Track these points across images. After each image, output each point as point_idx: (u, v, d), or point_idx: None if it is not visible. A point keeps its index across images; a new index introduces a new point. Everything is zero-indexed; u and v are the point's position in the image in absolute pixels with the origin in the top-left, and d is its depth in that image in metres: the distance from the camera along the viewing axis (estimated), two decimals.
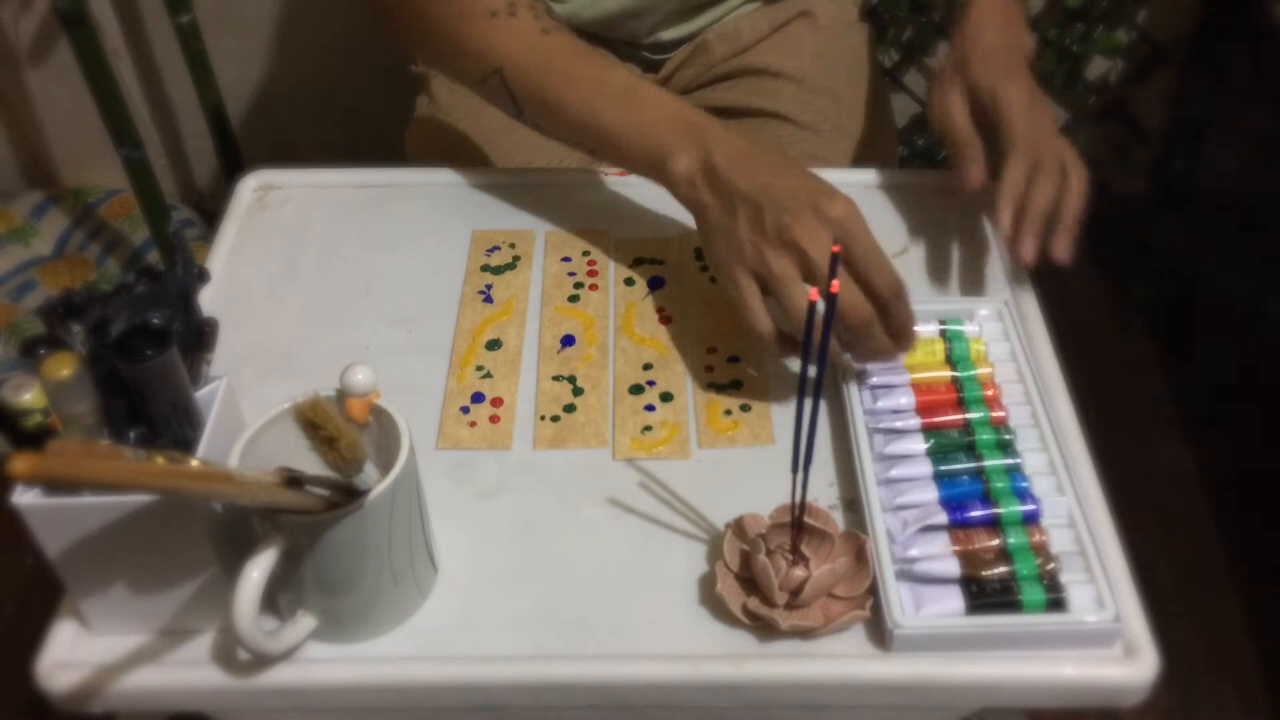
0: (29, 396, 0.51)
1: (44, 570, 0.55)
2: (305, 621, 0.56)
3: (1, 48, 1.62)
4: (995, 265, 0.79)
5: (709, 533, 0.63)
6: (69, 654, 0.57)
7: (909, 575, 0.58)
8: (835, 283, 0.49)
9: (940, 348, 0.69)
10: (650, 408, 0.69)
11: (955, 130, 0.77)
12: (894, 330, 0.66)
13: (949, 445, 0.63)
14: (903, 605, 0.56)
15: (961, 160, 0.76)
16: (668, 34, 0.95)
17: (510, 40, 0.76)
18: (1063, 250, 0.74)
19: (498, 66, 0.76)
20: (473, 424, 0.69)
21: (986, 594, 0.57)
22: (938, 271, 0.79)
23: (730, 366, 0.72)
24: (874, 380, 0.67)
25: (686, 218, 0.82)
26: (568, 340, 0.74)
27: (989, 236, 0.81)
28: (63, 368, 0.50)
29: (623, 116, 0.73)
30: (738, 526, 0.60)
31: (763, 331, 0.67)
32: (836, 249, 0.52)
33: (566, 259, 0.80)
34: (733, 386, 0.71)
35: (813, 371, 0.52)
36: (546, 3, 0.87)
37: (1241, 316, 1.64)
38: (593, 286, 0.78)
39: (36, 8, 1.57)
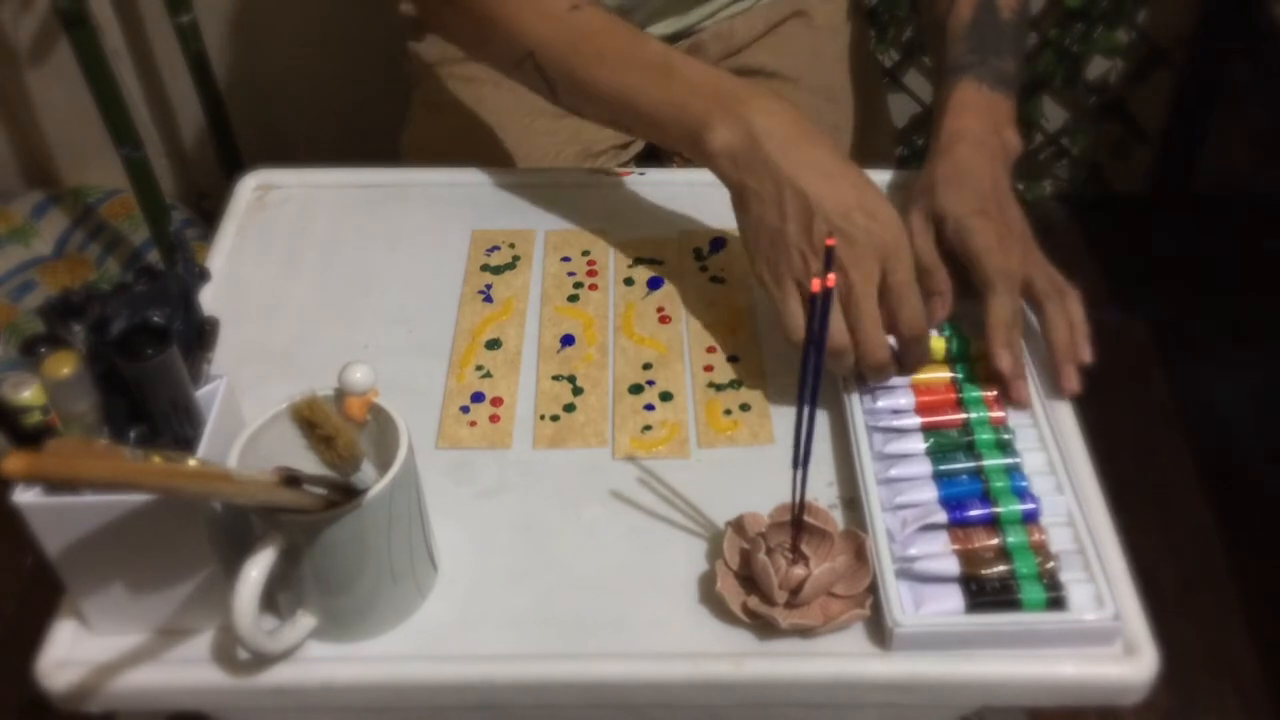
0: (29, 394, 0.51)
1: (44, 570, 0.55)
2: (305, 621, 0.56)
3: (1, 48, 1.62)
4: None
5: (709, 532, 0.63)
6: (69, 653, 0.57)
7: (908, 574, 0.58)
8: (831, 277, 0.49)
9: (940, 346, 0.68)
10: (650, 407, 0.69)
11: (920, 258, 0.69)
12: (903, 368, 0.66)
13: (948, 444, 0.64)
14: (902, 604, 0.56)
15: (928, 291, 0.68)
16: (659, 29, 0.95)
17: (538, 21, 0.74)
18: (1074, 383, 0.68)
19: (529, 50, 0.74)
20: (473, 423, 0.69)
21: (986, 592, 0.57)
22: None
23: (730, 366, 0.72)
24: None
25: (686, 218, 0.83)
26: (567, 340, 0.74)
27: None
28: (63, 366, 0.50)
29: (656, 92, 0.71)
30: (737, 525, 0.60)
31: (800, 341, 0.65)
32: (830, 242, 0.52)
33: (566, 259, 0.80)
34: (732, 386, 0.71)
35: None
36: None
37: (1242, 316, 1.64)
38: (592, 286, 0.78)
39: (36, 8, 1.57)
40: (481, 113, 0.94)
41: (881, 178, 0.86)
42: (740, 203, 0.69)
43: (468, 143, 0.95)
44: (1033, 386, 0.67)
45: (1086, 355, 0.68)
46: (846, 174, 0.66)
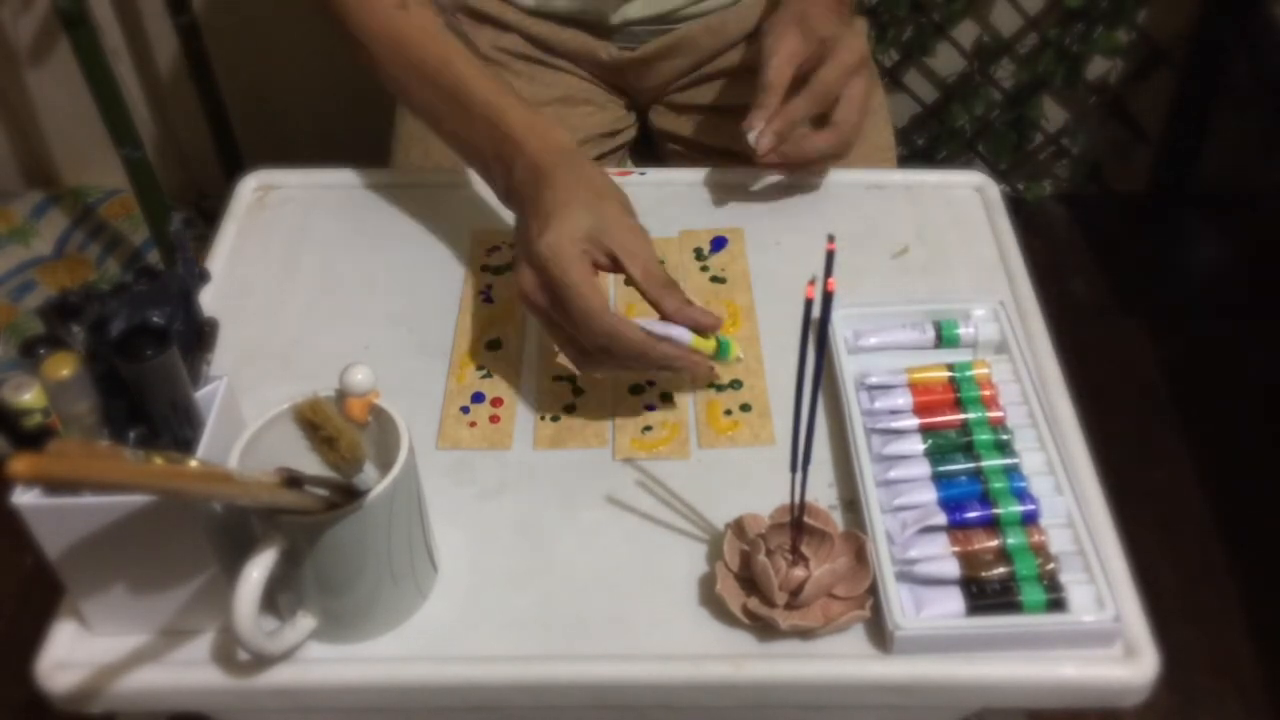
0: (29, 396, 0.51)
1: (44, 570, 0.55)
2: (305, 621, 0.56)
3: (1, 48, 1.62)
4: (994, 264, 0.79)
5: (709, 533, 0.63)
6: (69, 654, 0.57)
7: (909, 576, 0.58)
8: (831, 281, 0.49)
9: (709, 345, 0.67)
10: (650, 407, 0.69)
11: (770, 72, 0.77)
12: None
13: (947, 445, 0.63)
14: (903, 607, 0.56)
15: (754, 105, 0.77)
16: (634, 9, 0.94)
17: (368, 16, 0.76)
18: (763, 145, 0.77)
19: (363, 44, 0.76)
20: (473, 424, 0.69)
21: (986, 595, 0.57)
22: (936, 270, 0.79)
23: (730, 366, 0.72)
24: (871, 380, 0.67)
25: (686, 219, 0.83)
26: None
27: (988, 236, 0.81)
28: (62, 367, 0.50)
29: (452, 121, 0.74)
30: (737, 526, 0.60)
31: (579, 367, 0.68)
32: (831, 246, 0.51)
33: None
34: (732, 386, 0.71)
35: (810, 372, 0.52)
36: None
37: (1242, 316, 1.64)
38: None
39: (36, 8, 1.57)
40: None
41: (881, 177, 0.86)
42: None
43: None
44: (1030, 385, 0.67)
45: (810, 149, 0.79)
46: (556, 200, 0.66)
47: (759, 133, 0.77)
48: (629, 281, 0.65)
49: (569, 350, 0.67)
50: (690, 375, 0.69)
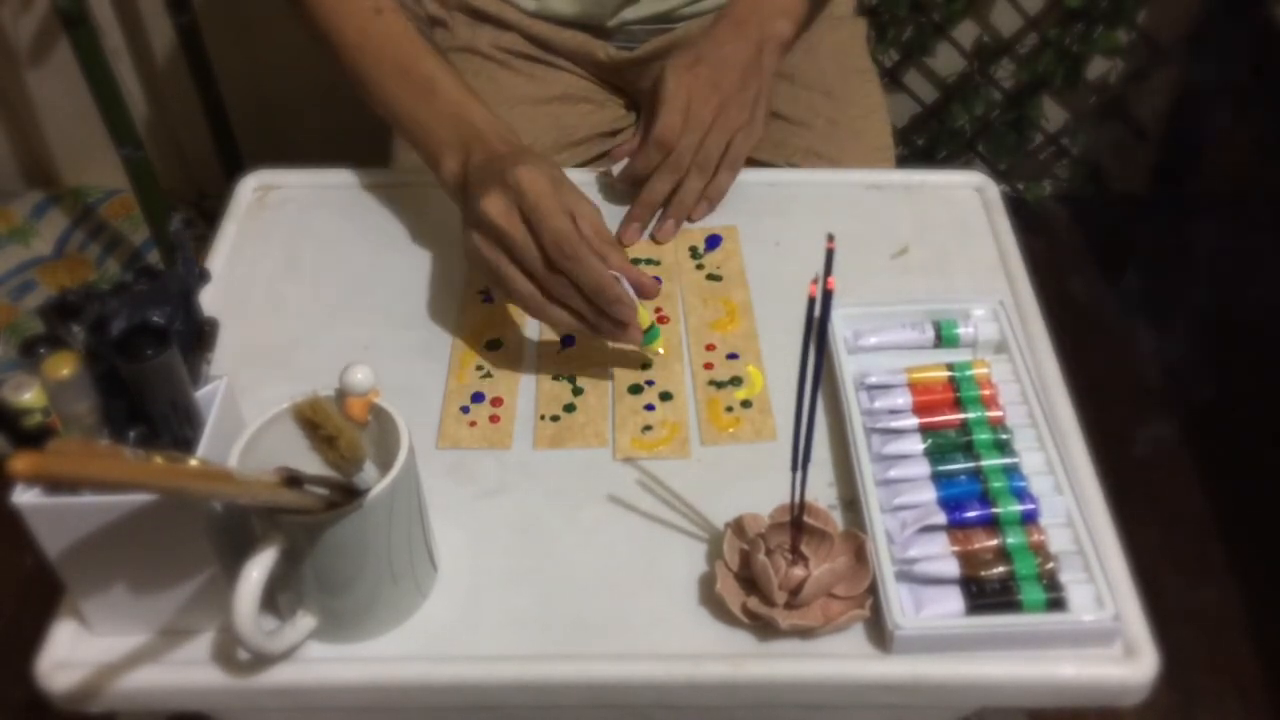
0: (29, 396, 0.51)
1: (44, 570, 0.55)
2: (305, 621, 0.56)
3: (1, 48, 1.62)
4: (994, 264, 0.79)
5: (709, 532, 0.63)
6: (69, 654, 0.57)
7: (909, 576, 0.58)
8: (831, 280, 0.49)
9: (645, 316, 0.70)
10: (650, 407, 0.69)
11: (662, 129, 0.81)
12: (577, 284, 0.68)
13: (946, 445, 0.64)
14: (903, 606, 0.56)
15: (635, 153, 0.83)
16: (635, 11, 0.95)
17: (342, 17, 0.80)
18: (664, 234, 0.81)
19: (329, 38, 0.80)
20: (473, 424, 0.69)
21: (986, 594, 0.57)
22: (936, 270, 0.79)
23: (730, 363, 0.72)
24: (871, 380, 0.67)
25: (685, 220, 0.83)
26: (568, 340, 0.74)
27: (988, 236, 0.81)
28: (62, 367, 0.50)
29: (415, 110, 0.77)
30: (737, 526, 0.60)
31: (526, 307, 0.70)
32: (831, 245, 0.51)
33: None
34: (733, 383, 0.71)
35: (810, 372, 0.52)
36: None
37: (1242, 316, 1.64)
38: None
39: (36, 8, 1.57)
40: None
41: (881, 177, 0.87)
42: (462, 216, 0.73)
43: None
44: (1029, 385, 0.67)
45: (696, 215, 0.83)
46: (519, 159, 0.69)
47: (631, 230, 0.82)
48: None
49: (521, 288, 0.68)
50: (619, 336, 0.70)
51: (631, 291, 0.68)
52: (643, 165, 0.81)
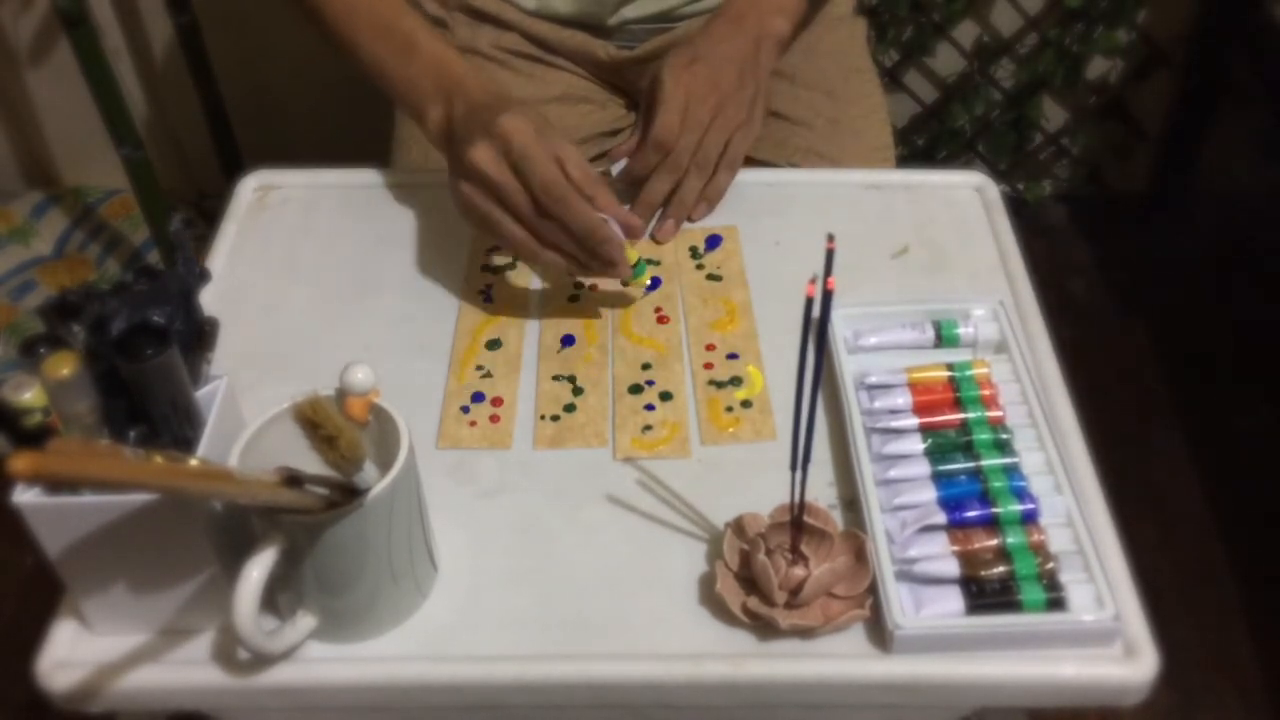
0: (29, 396, 0.51)
1: (44, 570, 0.55)
2: (305, 621, 0.56)
3: (1, 48, 1.62)
4: (994, 264, 0.79)
5: (709, 532, 0.63)
6: (69, 653, 0.57)
7: (909, 576, 0.58)
8: (831, 280, 0.49)
9: (633, 254, 0.72)
10: (650, 407, 0.69)
11: (661, 130, 0.81)
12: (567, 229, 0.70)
13: (946, 445, 0.64)
14: (903, 606, 0.56)
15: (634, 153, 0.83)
16: (634, 10, 0.95)
17: None
18: (664, 234, 0.82)
19: (316, 7, 0.81)
20: (473, 423, 0.69)
21: (986, 594, 0.57)
22: (936, 270, 0.79)
23: (730, 363, 0.72)
24: (871, 380, 0.67)
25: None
26: (568, 340, 0.74)
27: (988, 236, 0.81)
28: (62, 367, 0.50)
29: (397, 65, 0.79)
30: (737, 526, 0.60)
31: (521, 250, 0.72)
32: (831, 245, 0.51)
33: None
34: (733, 383, 0.71)
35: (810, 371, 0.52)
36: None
37: (1242, 316, 1.64)
38: (593, 286, 0.78)
39: (36, 8, 1.57)
40: None
41: (881, 177, 0.87)
42: (449, 166, 0.75)
43: None
44: (1029, 385, 0.67)
45: (696, 215, 0.83)
46: (505, 108, 0.71)
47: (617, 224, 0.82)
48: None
49: (513, 233, 0.71)
50: (609, 274, 0.72)
51: (619, 230, 0.71)
52: (641, 166, 0.81)
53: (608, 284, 0.77)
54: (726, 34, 0.84)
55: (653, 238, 0.82)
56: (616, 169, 0.83)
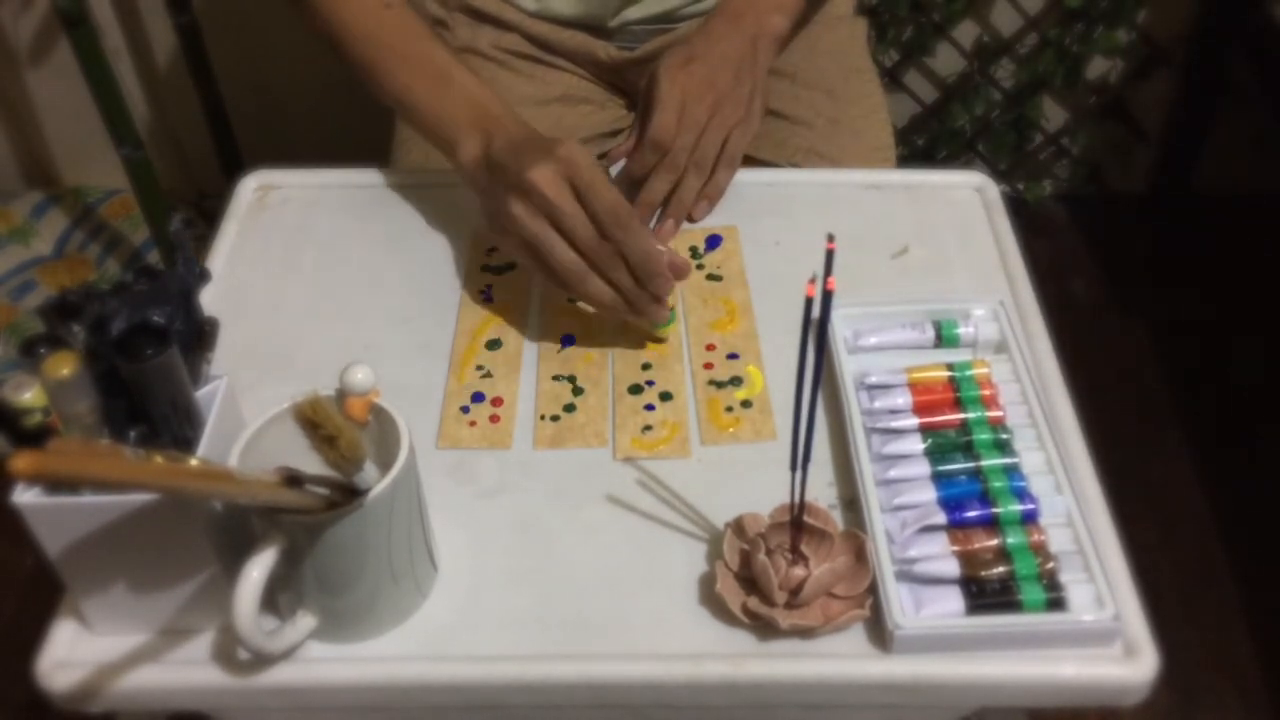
0: (29, 396, 0.51)
1: (44, 570, 0.55)
2: (305, 621, 0.56)
3: (1, 48, 1.62)
4: (994, 264, 0.79)
5: (709, 532, 0.63)
6: (69, 653, 0.57)
7: (909, 576, 0.58)
8: (831, 280, 0.49)
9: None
10: (650, 407, 0.69)
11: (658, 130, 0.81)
12: (629, 260, 0.69)
13: (946, 445, 0.64)
14: (903, 606, 0.56)
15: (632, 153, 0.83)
16: (636, 11, 0.95)
17: (352, 12, 0.81)
18: (664, 234, 0.82)
19: (337, 34, 0.81)
20: (473, 424, 0.69)
21: (986, 594, 0.57)
22: (936, 270, 0.79)
23: (730, 363, 0.72)
24: (871, 380, 0.67)
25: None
26: (568, 340, 0.74)
27: (988, 236, 0.81)
28: (62, 367, 0.50)
29: (431, 99, 0.78)
30: (737, 526, 0.60)
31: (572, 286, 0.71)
32: (831, 245, 0.51)
33: None
34: (733, 383, 0.71)
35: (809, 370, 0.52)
36: None
37: (1242, 316, 1.64)
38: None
39: (36, 8, 1.57)
40: None
41: (881, 177, 0.87)
42: (481, 204, 0.75)
43: None
44: (1030, 385, 0.67)
45: (697, 214, 0.83)
46: (553, 142, 0.71)
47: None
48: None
49: (564, 257, 0.69)
50: (650, 313, 0.71)
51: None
52: (639, 167, 0.81)
53: (633, 328, 0.74)
54: (724, 33, 0.84)
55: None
56: (615, 170, 0.84)
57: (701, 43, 0.83)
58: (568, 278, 0.70)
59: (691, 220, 0.83)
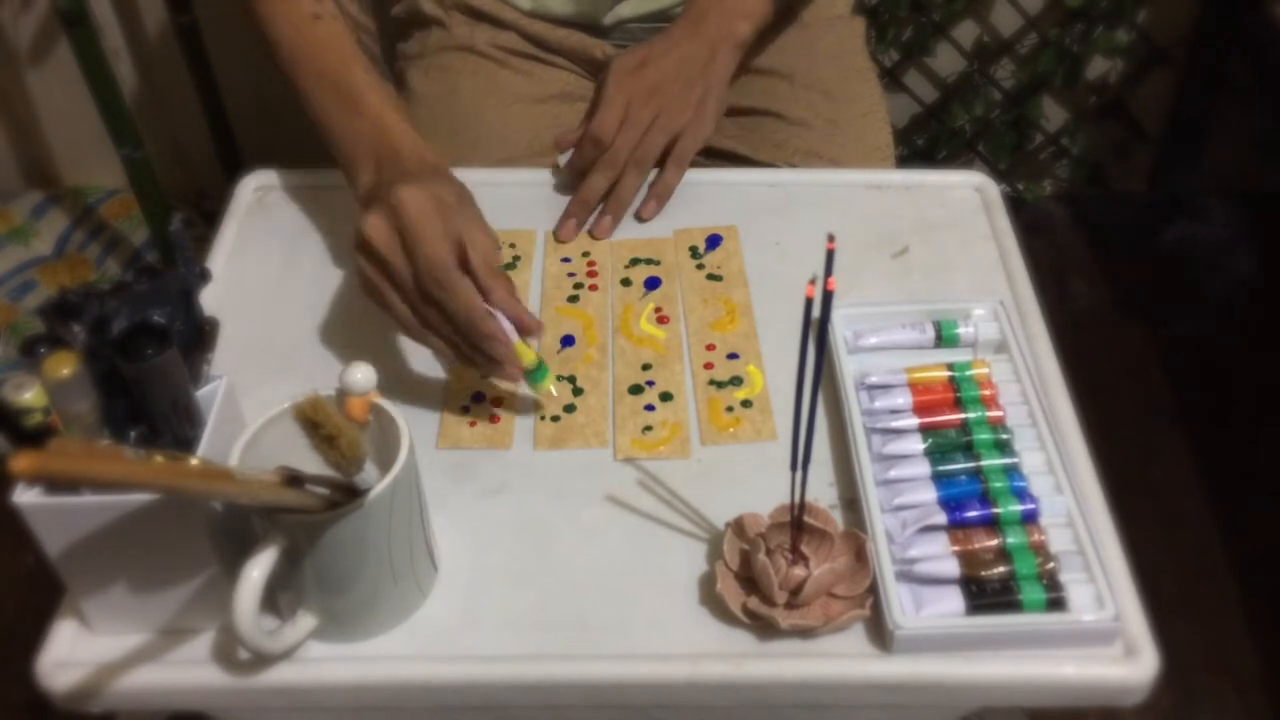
0: (29, 395, 0.51)
1: (44, 570, 0.55)
2: (305, 620, 0.56)
3: (1, 48, 1.62)
4: (994, 264, 0.79)
5: (709, 532, 0.63)
6: (69, 653, 0.57)
7: (909, 576, 0.58)
8: (831, 280, 0.49)
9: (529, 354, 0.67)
10: (650, 408, 0.69)
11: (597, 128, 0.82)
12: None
13: (947, 445, 0.64)
14: (903, 606, 0.56)
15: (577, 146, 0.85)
16: (627, 8, 0.95)
17: (282, 22, 0.80)
18: (601, 231, 0.82)
19: (271, 44, 0.80)
20: (473, 424, 0.69)
21: (986, 594, 0.57)
22: (936, 270, 0.79)
23: (730, 363, 0.72)
24: (871, 380, 0.67)
25: (682, 218, 0.83)
26: (568, 340, 0.74)
27: (988, 236, 0.81)
28: (63, 366, 0.50)
29: (340, 121, 0.75)
30: (737, 526, 0.60)
31: (414, 337, 0.68)
32: (831, 245, 0.51)
33: (566, 259, 0.80)
34: (733, 383, 0.71)
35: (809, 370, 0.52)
36: None
37: (1242, 316, 1.64)
38: (593, 287, 0.78)
39: (36, 8, 1.57)
40: (457, 103, 0.95)
41: (881, 177, 0.87)
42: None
43: (449, 131, 0.95)
44: (1030, 385, 0.67)
45: (645, 213, 0.83)
46: (424, 180, 0.68)
47: (568, 226, 0.82)
48: (465, 268, 0.65)
49: (399, 313, 0.67)
50: (495, 374, 0.67)
51: (510, 328, 0.65)
52: (578, 160, 0.83)
53: (508, 388, 0.70)
54: (682, 38, 0.86)
55: (590, 234, 0.82)
56: (563, 159, 0.85)
57: (659, 46, 0.85)
58: (405, 330, 0.67)
59: (641, 219, 0.83)
